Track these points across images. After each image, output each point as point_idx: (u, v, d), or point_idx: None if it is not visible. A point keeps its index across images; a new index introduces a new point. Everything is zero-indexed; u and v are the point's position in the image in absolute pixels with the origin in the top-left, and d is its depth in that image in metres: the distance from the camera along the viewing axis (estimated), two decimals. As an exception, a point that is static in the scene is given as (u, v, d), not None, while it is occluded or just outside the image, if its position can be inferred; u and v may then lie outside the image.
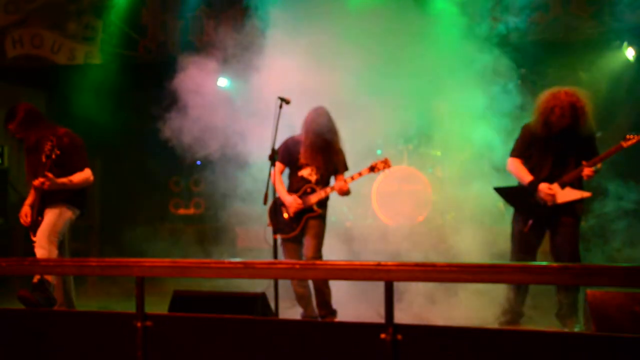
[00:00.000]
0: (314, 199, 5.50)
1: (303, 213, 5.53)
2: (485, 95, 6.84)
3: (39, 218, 5.31)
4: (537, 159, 5.25)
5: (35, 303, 4.85)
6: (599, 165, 5.10)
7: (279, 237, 5.50)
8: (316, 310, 5.56)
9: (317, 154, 5.56)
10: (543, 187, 5.12)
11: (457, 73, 6.90)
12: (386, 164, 5.56)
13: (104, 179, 8.81)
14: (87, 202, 5.56)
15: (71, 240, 5.68)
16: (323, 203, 5.59)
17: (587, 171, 5.06)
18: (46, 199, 5.30)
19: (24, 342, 3.90)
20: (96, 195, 8.91)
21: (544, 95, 5.23)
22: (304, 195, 5.53)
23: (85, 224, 8.27)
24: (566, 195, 5.11)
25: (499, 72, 6.88)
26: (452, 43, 6.94)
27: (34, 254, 5.22)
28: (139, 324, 3.56)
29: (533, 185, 5.17)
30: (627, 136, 5.07)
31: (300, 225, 5.52)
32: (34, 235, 5.29)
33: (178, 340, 3.62)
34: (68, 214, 5.35)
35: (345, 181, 5.53)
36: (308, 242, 5.49)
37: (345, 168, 5.69)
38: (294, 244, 5.56)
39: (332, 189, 5.53)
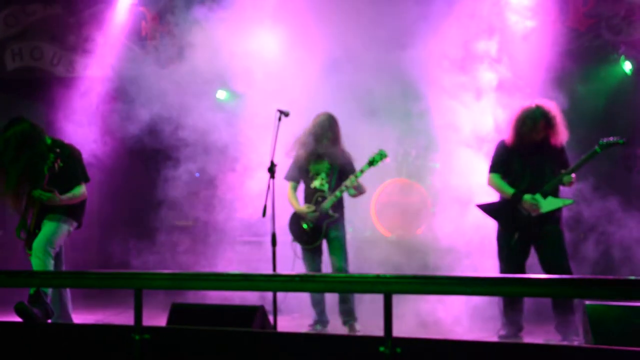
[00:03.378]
0: (326, 204, 5.65)
1: (321, 221, 5.68)
2: (483, 107, 6.86)
3: (36, 230, 5.29)
4: (515, 171, 5.33)
5: (33, 316, 4.83)
6: (573, 176, 5.19)
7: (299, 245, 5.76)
8: (330, 319, 5.70)
9: (322, 160, 5.75)
10: (527, 198, 5.18)
11: (456, 87, 6.92)
12: (382, 155, 5.70)
13: (102, 191, 8.80)
14: (83, 214, 5.55)
15: (70, 252, 5.66)
16: (338, 207, 5.75)
17: (567, 179, 5.16)
18: (45, 211, 5.29)
19: (22, 356, 3.88)
20: (94, 207, 8.89)
21: (517, 108, 5.35)
22: (316, 204, 5.70)
23: (83, 235, 8.25)
24: (549, 204, 5.18)
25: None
26: (451, 63, 6.98)
27: (30, 266, 5.21)
28: (137, 337, 3.54)
29: (516, 197, 5.22)
30: (600, 141, 5.16)
31: (321, 233, 5.69)
32: (30, 249, 5.28)
33: (176, 353, 3.60)
34: (65, 226, 5.34)
35: (351, 180, 5.66)
36: (334, 256, 5.69)
37: (354, 171, 5.81)
38: (314, 253, 5.76)
39: (342, 190, 5.66)
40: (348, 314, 5.64)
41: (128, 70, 7.99)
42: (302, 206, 5.76)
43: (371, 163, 5.72)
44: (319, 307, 5.70)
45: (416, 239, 7.30)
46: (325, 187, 5.76)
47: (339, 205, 5.77)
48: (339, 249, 5.71)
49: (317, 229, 5.70)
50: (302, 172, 5.86)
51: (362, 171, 5.71)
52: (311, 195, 5.78)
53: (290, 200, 5.83)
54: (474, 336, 5.43)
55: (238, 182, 7.29)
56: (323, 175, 5.78)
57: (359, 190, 5.77)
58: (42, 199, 5.17)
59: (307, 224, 5.72)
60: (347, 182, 5.66)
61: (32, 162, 5.25)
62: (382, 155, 5.72)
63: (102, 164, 7.96)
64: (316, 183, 5.79)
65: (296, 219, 5.80)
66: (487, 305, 5.87)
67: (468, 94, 6.78)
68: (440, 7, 6.75)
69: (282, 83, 6.85)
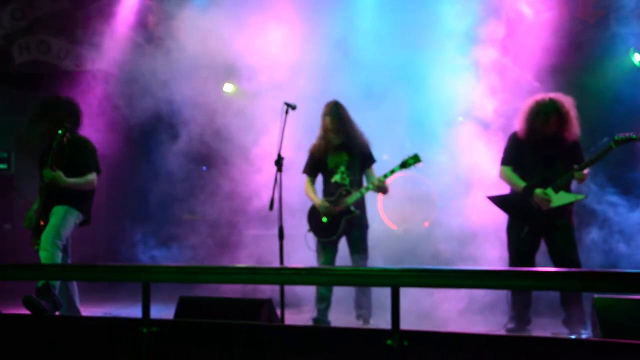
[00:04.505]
0: (349, 200, 5.54)
1: (341, 215, 5.56)
2: (489, 99, 6.86)
3: (41, 222, 5.31)
4: (527, 165, 5.30)
5: (41, 309, 4.85)
6: (585, 172, 5.14)
7: (314, 238, 5.67)
8: (331, 320, 5.56)
9: (341, 152, 5.63)
10: (538, 192, 5.14)
11: (463, 77, 6.92)
12: (416, 159, 5.59)
13: (110, 185, 8.82)
14: (90, 207, 5.56)
15: (77, 245, 5.68)
16: (360, 203, 5.63)
17: (578, 175, 5.11)
18: (51, 202, 5.31)
19: (30, 348, 3.90)
20: (103, 200, 8.91)
21: (529, 101, 5.30)
22: (339, 198, 5.57)
23: (91, 229, 8.28)
24: (561, 198, 5.14)
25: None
26: (455, 47, 6.98)
27: (38, 258, 5.23)
28: (144, 330, 3.55)
29: (528, 190, 5.19)
30: (616, 137, 5.11)
31: (340, 229, 5.57)
32: (37, 239, 5.31)
33: (184, 345, 3.61)
34: (72, 217, 5.35)
35: (379, 180, 5.53)
36: (356, 258, 5.58)
37: (373, 160, 5.73)
38: (332, 246, 5.63)
39: (368, 188, 5.57)
40: (365, 308, 5.53)
41: (134, 64, 8.00)
42: (318, 199, 5.64)
43: (403, 165, 5.59)
44: (324, 304, 5.53)
45: (423, 232, 7.30)
46: (347, 181, 5.61)
47: (361, 201, 5.64)
48: (360, 249, 5.61)
49: (336, 223, 5.57)
50: (320, 166, 5.73)
51: (392, 171, 5.56)
52: (333, 189, 5.63)
53: (308, 193, 5.72)
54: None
55: (246, 175, 7.29)
56: (343, 168, 5.63)
57: (382, 190, 5.62)
58: (48, 177, 5.19)
59: (327, 217, 5.58)
60: (375, 181, 5.52)
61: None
62: (416, 159, 5.59)
63: (108, 158, 7.96)
64: (337, 177, 5.63)
65: (315, 211, 5.67)
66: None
67: (472, 83, 6.80)
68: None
69: (289, 76, 6.85)
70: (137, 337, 3.55)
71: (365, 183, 5.71)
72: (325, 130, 5.64)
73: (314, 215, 5.69)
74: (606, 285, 3.03)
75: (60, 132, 5.22)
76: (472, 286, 3.22)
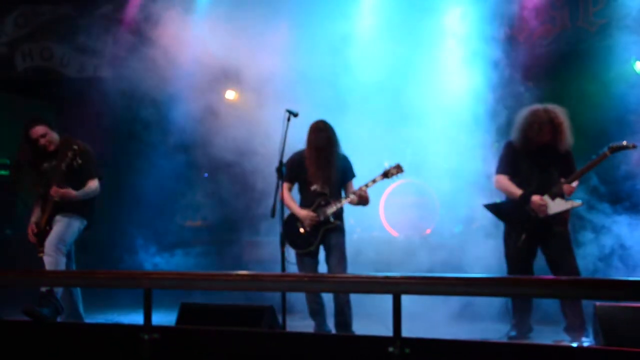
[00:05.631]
0: (329, 210, 5.42)
1: (320, 226, 5.43)
2: (492, 108, 6.87)
3: (47, 227, 5.34)
4: (524, 173, 5.31)
5: (41, 317, 4.86)
6: (573, 185, 5.18)
7: (293, 251, 5.48)
8: (332, 328, 5.46)
9: (322, 167, 5.49)
10: (535, 199, 5.17)
11: (464, 88, 6.94)
12: (399, 169, 5.51)
13: (112, 191, 8.83)
14: (94, 213, 5.59)
15: (80, 252, 5.70)
16: (339, 215, 5.51)
17: (567, 188, 5.16)
18: (55, 209, 5.34)
19: (30, 355, 3.89)
20: (104, 207, 8.92)
21: (525, 111, 5.33)
22: (318, 208, 5.45)
23: (92, 237, 8.29)
24: (557, 206, 5.16)
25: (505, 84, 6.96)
26: (457, 56, 7.01)
27: (41, 264, 5.26)
28: (146, 336, 3.55)
29: (525, 198, 5.21)
30: (611, 144, 5.15)
31: (318, 239, 5.44)
32: (41, 246, 5.33)
33: (185, 352, 3.61)
34: (76, 224, 5.39)
35: (361, 189, 5.42)
36: (333, 263, 5.41)
37: (353, 175, 5.61)
38: (310, 258, 5.48)
39: (349, 199, 5.43)
40: (344, 328, 5.34)
41: (137, 70, 8.03)
42: (302, 210, 5.46)
43: (385, 175, 5.49)
44: (318, 317, 5.43)
45: (425, 239, 7.30)
46: (327, 191, 5.47)
47: (339, 212, 5.49)
48: (339, 258, 5.40)
49: (314, 233, 5.42)
50: (300, 175, 5.56)
51: (374, 181, 5.46)
52: (311, 198, 5.48)
53: (287, 203, 5.47)
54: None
55: (247, 182, 7.30)
56: (323, 178, 5.47)
57: (363, 202, 5.47)
58: (58, 196, 5.23)
59: (305, 228, 5.44)
60: (357, 191, 5.39)
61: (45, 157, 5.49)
62: (398, 169, 5.49)
63: (110, 164, 7.99)
64: (316, 186, 5.48)
65: (292, 221, 5.49)
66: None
67: (474, 88, 6.83)
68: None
69: (290, 82, 6.88)
70: (138, 344, 3.55)
71: (343, 195, 5.57)
72: (313, 149, 5.49)
73: (290, 226, 5.48)
74: (608, 293, 3.03)
75: (70, 154, 5.25)
76: (473, 294, 3.23)
